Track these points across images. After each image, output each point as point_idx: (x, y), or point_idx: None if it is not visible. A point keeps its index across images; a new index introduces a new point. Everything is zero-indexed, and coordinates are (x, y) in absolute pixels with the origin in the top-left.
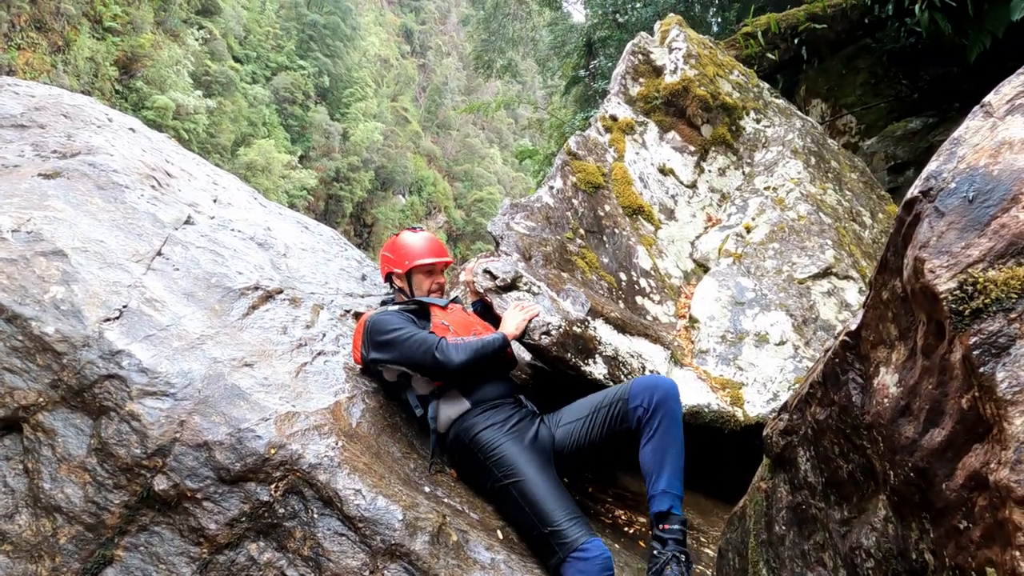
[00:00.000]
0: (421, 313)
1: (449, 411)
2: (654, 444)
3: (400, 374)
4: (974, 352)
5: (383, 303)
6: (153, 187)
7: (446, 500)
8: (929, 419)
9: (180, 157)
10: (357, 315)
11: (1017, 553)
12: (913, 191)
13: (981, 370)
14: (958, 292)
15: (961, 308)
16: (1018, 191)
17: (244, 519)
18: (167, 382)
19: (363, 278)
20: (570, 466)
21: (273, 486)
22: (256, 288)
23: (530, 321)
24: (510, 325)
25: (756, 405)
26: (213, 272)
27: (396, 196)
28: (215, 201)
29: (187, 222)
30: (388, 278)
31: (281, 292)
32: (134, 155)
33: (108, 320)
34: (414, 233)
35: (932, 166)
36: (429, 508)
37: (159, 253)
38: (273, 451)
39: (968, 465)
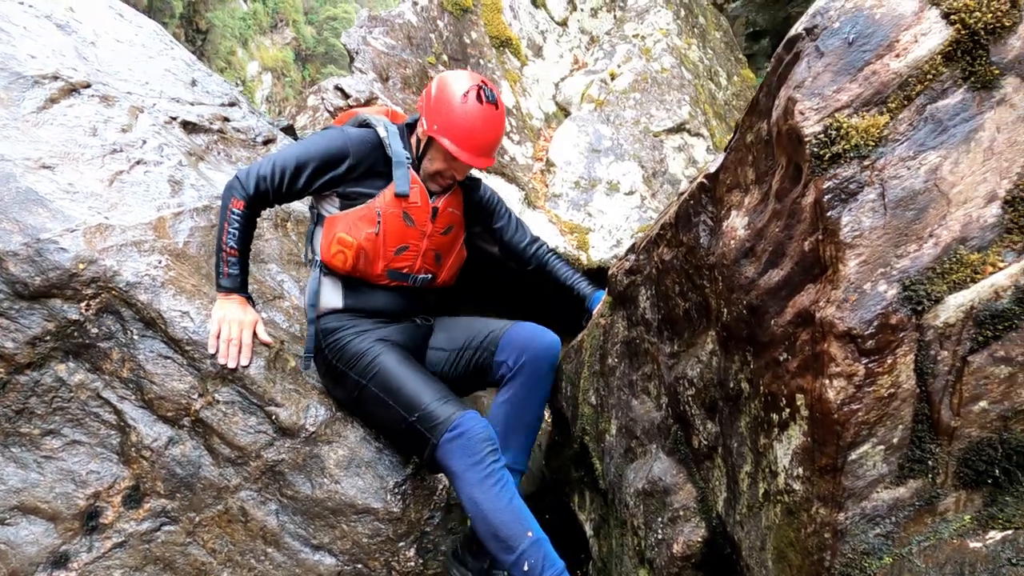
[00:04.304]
0: (380, 169)
1: (325, 296)
2: (508, 408)
3: (318, 212)
4: (826, 197)
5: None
6: None
7: (284, 327)
8: (770, 260)
9: None
10: (186, 124)
11: (827, 381)
12: (797, 28)
13: (829, 214)
14: (822, 136)
15: (822, 152)
16: (895, 38)
17: (49, 338)
18: None
19: (193, 83)
20: None
21: (84, 304)
22: (55, 78)
23: None
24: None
25: (600, 250)
26: None
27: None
28: None
29: None
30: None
31: (88, 86)
32: None
33: None
34: (481, 104)
35: (821, 2)
36: (265, 333)
37: None
38: (82, 266)
39: (799, 303)
